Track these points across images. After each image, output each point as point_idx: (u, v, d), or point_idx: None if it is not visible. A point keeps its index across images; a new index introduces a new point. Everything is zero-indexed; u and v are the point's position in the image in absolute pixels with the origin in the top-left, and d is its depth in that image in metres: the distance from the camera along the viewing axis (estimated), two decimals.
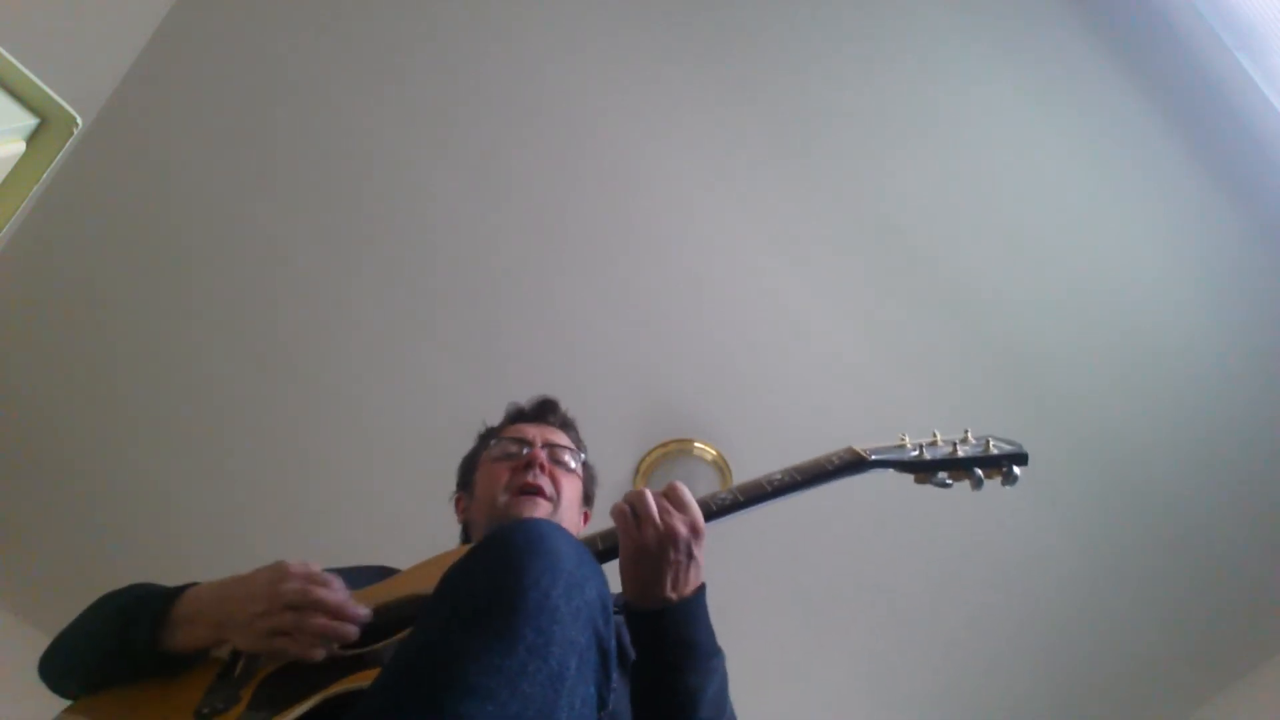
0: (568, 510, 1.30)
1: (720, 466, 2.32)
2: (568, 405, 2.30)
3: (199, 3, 1.85)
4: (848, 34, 1.82)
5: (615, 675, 0.80)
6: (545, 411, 1.44)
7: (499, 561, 0.78)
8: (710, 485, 2.32)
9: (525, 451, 1.33)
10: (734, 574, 2.42)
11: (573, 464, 1.36)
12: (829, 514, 2.33)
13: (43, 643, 1.07)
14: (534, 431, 1.38)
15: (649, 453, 2.33)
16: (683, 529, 0.99)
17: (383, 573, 1.16)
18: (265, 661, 0.95)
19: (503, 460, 1.33)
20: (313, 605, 0.92)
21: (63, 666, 1.05)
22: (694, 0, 1.82)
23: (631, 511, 1.00)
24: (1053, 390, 2.16)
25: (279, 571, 0.96)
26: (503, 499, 1.27)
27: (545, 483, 1.29)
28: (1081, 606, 2.45)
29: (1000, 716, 2.68)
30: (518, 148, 1.99)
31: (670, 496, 1.02)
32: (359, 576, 1.10)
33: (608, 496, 2.36)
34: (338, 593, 0.95)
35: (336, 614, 0.93)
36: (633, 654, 1.05)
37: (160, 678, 0.99)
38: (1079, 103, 1.84)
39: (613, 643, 0.80)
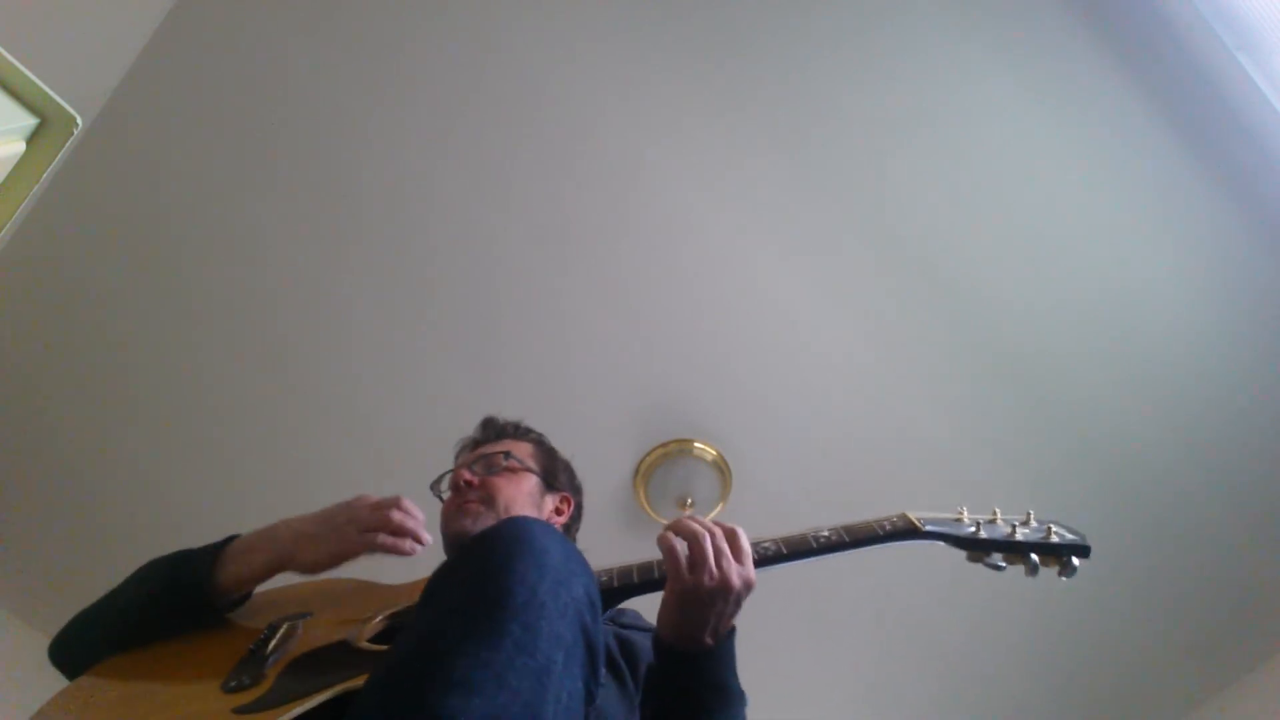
0: (514, 506, 1.31)
1: (720, 466, 2.32)
2: (567, 405, 2.30)
3: (199, 3, 1.85)
4: (848, 35, 1.82)
5: (603, 671, 0.81)
6: (480, 434, 1.48)
7: (486, 560, 0.79)
8: (710, 485, 2.32)
9: (451, 477, 1.39)
10: None
11: (506, 462, 1.38)
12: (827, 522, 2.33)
13: (42, 643, 1.07)
14: (464, 459, 1.43)
15: (649, 453, 2.33)
16: (737, 582, 0.95)
17: (371, 588, 1.18)
18: (298, 644, 0.98)
19: (447, 497, 1.39)
20: (392, 503, 1.07)
21: (93, 625, 1.09)
22: (694, 2, 1.82)
23: (687, 552, 0.96)
24: (1055, 390, 2.16)
25: (354, 497, 1.11)
26: (442, 525, 1.33)
27: (472, 494, 1.32)
28: (1082, 606, 2.45)
29: (1001, 716, 2.68)
30: (517, 149, 1.99)
31: (731, 543, 0.97)
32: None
33: (608, 496, 2.38)
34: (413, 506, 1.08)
35: (412, 515, 1.07)
36: (624, 666, 1.07)
37: (195, 633, 1.04)
38: (1079, 103, 1.84)
39: (601, 639, 0.80)
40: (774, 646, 2.60)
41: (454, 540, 1.29)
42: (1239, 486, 2.22)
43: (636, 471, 2.36)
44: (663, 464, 2.33)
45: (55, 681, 1.05)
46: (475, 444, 1.46)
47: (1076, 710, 2.65)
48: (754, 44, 1.84)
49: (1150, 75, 1.79)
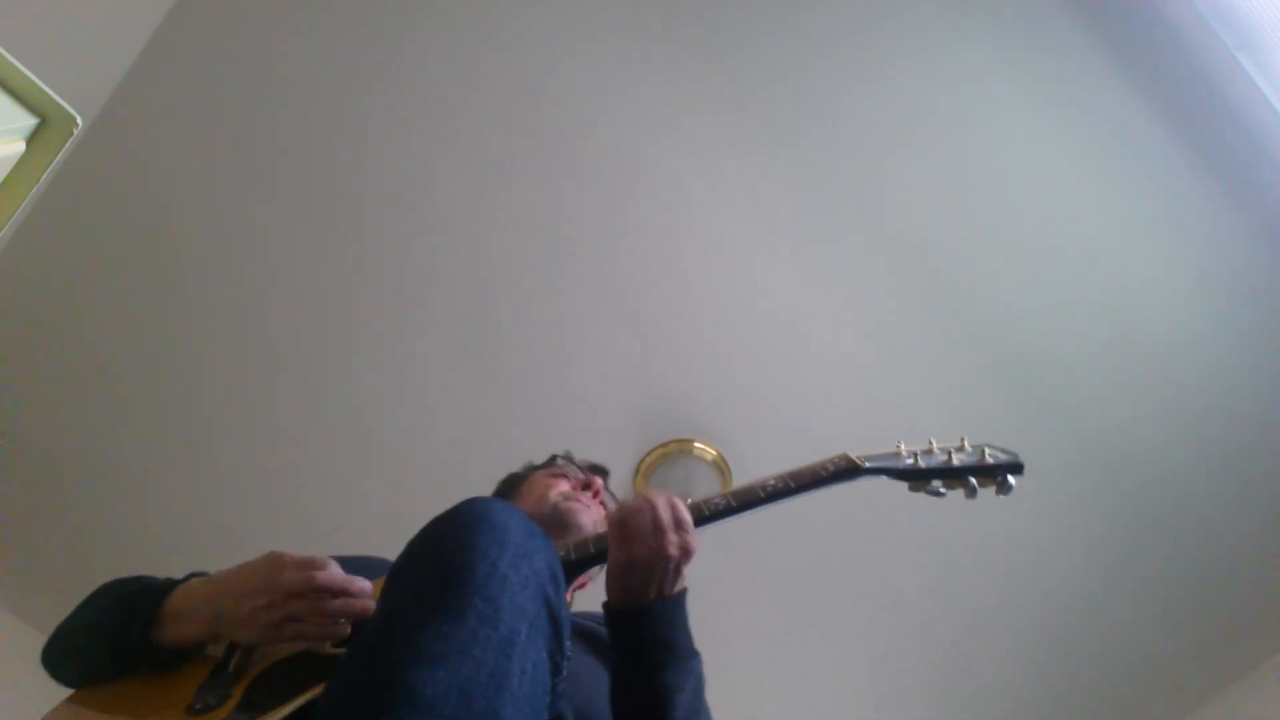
0: None
1: (720, 467, 2.32)
2: (567, 405, 2.30)
3: (199, 3, 1.85)
4: (848, 35, 1.82)
5: (568, 643, 0.81)
6: (596, 472, 1.50)
7: (447, 537, 0.80)
8: (710, 485, 2.32)
9: (583, 476, 1.40)
10: (733, 570, 2.42)
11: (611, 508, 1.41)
12: (828, 511, 2.33)
13: (40, 641, 1.07)
14: (594, 480, 1.44)
15: (649, 453, 2.33)
16: (674, 552, 0.99)
17: (385, 564, 1.16)
18: (260, 658, 0.96)
19: (561, 476, 1.40)
20: (316, 590, 0.92)
21: (62, 658, 1.06)
22: (694, 2, 1.82)
23: (623, 525, 1.00)
24: (1055, 390, 2.16)
25: (275, 561, 0.96)
26: (554, 497, 1.33)
27: (591, 503, 1.34)
28: (1082, 606, 2.45)
29: (1000, 716, 2.68)
30: (518, 149, 1.99)
31: (670, 514, 1.01)
32: (362, 566, 1.11)
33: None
34: (336, 572, 0.94)
35: (341, 591, 0.93)
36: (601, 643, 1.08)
37: (158, 672, 0.99)
38: (1079, 103, 1.84)
39: (565, 612, 0.81)
40: (772, 637, 2.60)
41: (560, 521, 1.29)
42: (1239, 486, 2.22)
43: (636, 471, 2.36)
44: (663, 464, 2.33)
45: (54, 681, 1.05)
46: (593, 471, 1.47)
47: (1076, 710, 2.65)
48: (754, 43, 1.84)
49: (1150, 75, 1.78)
